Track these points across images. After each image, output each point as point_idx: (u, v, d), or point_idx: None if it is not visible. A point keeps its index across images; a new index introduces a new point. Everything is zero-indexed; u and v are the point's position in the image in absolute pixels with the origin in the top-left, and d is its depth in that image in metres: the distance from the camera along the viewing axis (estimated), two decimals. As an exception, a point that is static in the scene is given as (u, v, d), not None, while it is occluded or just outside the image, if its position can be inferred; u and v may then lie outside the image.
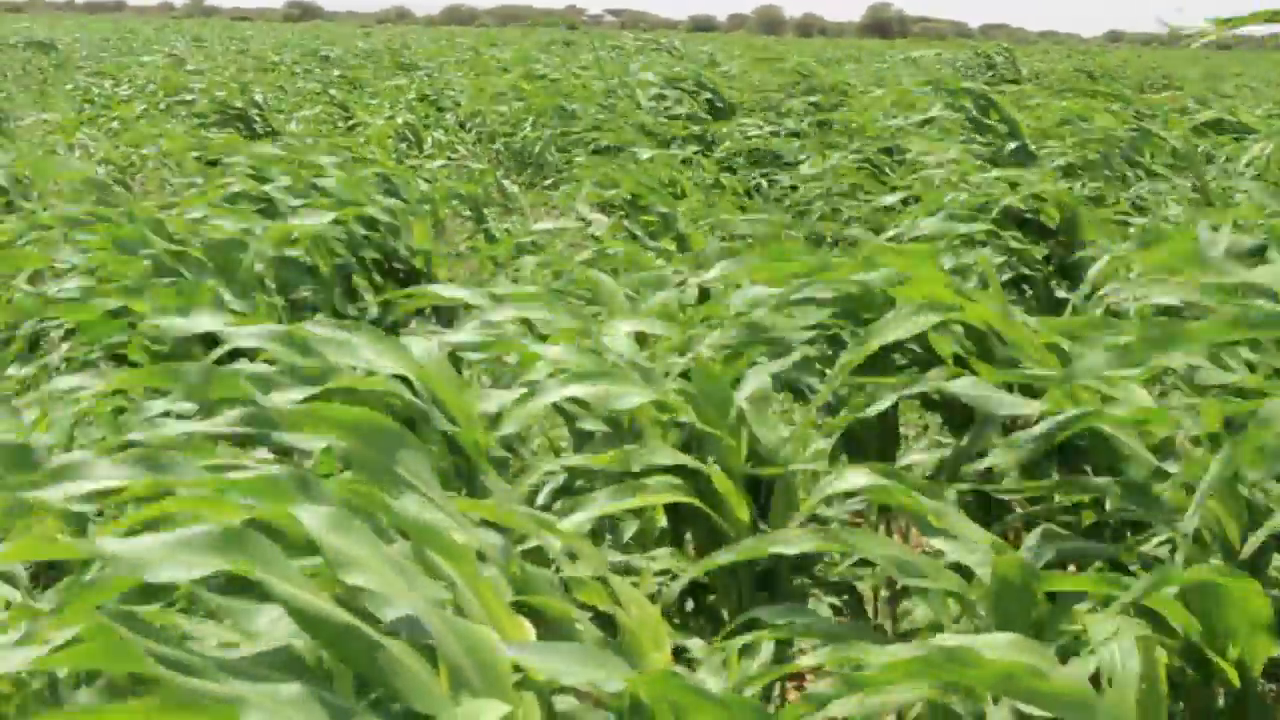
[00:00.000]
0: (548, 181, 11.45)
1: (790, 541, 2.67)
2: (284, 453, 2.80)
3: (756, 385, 3.43)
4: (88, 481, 1.98)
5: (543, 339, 3.73)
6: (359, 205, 5.34)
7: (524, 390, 3.33)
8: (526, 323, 3.95)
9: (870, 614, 3.64)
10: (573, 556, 2.45)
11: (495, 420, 3.26)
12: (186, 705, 1.48)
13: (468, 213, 8.17)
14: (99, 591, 1.87)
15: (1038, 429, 3.05)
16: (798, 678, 3.69)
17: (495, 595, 1.97)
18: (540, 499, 3.30)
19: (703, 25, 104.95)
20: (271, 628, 1.86)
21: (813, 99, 14.13)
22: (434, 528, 2.01)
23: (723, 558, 2.67)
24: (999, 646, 2.07)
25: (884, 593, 3.66)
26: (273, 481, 1.88)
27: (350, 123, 13.40)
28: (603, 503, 3.05)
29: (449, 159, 11.01)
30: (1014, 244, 5.86)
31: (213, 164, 9.53)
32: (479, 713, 1.64)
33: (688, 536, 3.41)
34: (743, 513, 3.19)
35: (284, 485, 1.88)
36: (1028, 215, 6.16)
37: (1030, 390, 3.24)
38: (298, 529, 1.79)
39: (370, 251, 5.25)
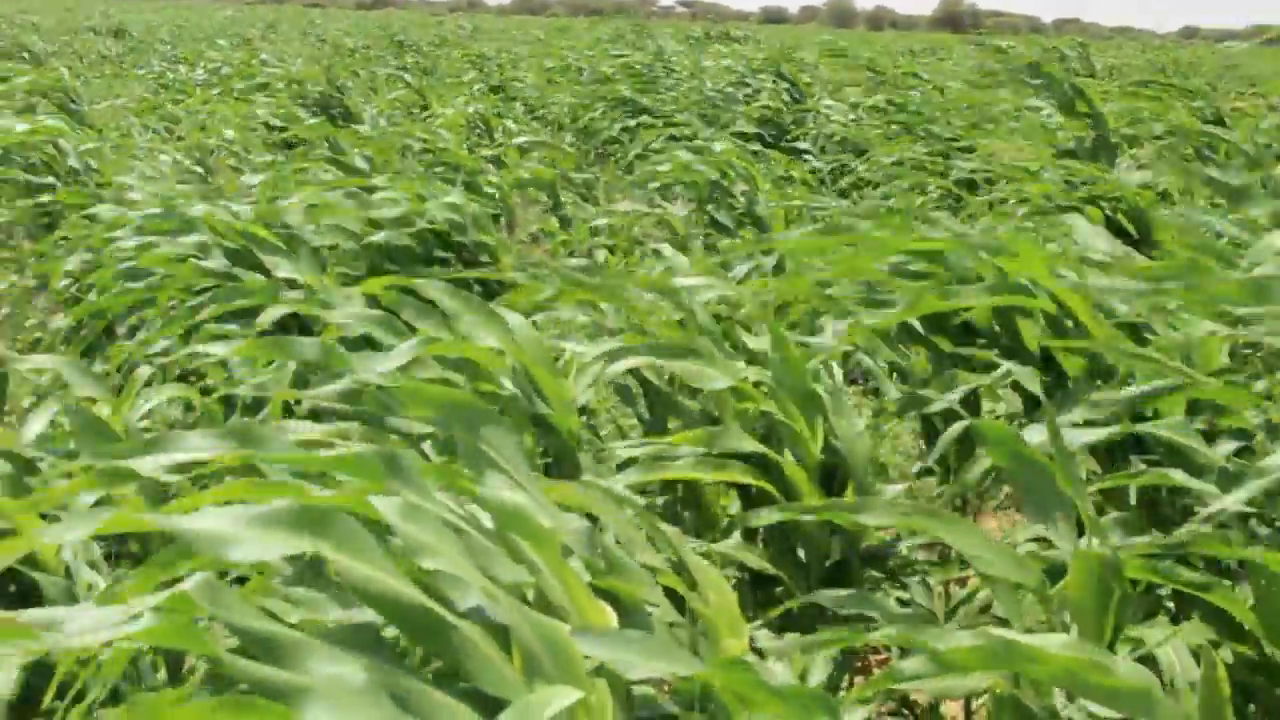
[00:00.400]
0: (619, 170, 11.45)
1: (874, 511, 2.60)
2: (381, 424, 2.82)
3: (831, 375, 3.43)
4: (179, 453, 1.99)
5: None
6: (421, 201, 5.36)
7: (605, 350, 3.31)
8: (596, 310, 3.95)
9: (939, 611, 3.62)
10: (651, 540, 2.44)
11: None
12: (249, 700, 1.48)
13: (542, 199, 8.19)
14: (175, 568, 1.88)
15: (1123, 394, 3.02)
16: (864, 669, 3.68)
17: (577, 580, 1.96)
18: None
19: (774, 17, 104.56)
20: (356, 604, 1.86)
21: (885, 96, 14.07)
22: (519, 510, 2.00)
23: (804, 516, 2.62)
24: (1061, 642, 2.04)
25: (955, 589, 3.64)
26: (361, 460, 1.88)
27: (425, 110, 13.43)
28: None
29: (520, 148, 11.01)
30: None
31: (290, 146, 9.60)
32: (550, 698, 1.64)
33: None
34: (814, 501, 3.18)
35: (373, 464, 1.88)
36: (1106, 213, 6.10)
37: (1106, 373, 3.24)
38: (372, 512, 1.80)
39: (438, 247, 5.26)
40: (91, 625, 1.61)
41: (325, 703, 1.49)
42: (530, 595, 1.89)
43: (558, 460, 3.17)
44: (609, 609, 2.03)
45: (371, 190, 5.76)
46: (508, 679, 1.69)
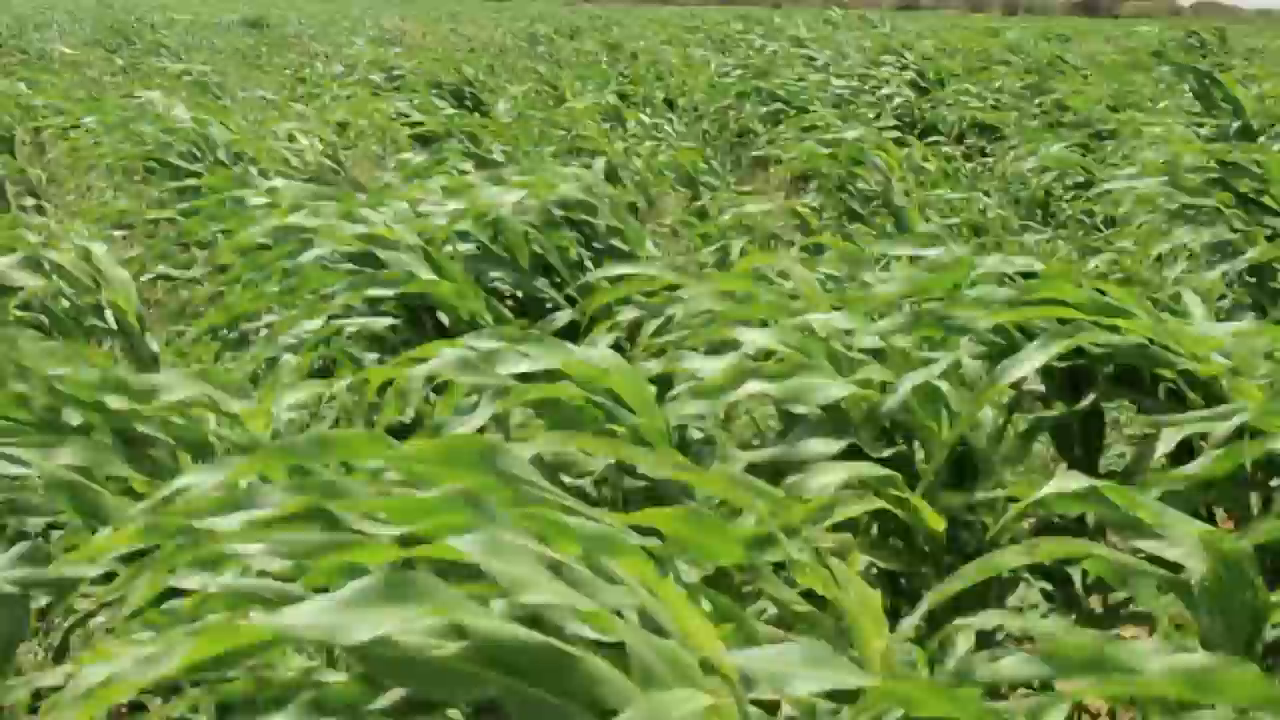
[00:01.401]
0: (754, 159, 11.42)
1: (1001, 563, 2.55)
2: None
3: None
4: (256, 510, 1.96)
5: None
6: (551, 185, 5.35)
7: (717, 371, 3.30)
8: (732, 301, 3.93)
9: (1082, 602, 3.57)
10: (789, 538, 2.42)
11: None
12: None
13: (678, 189, 8.19)
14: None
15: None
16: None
17: (680, 596, 1.95)
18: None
19: (907, 3, 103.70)
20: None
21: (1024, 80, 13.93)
22: (608, 535, 1.96)
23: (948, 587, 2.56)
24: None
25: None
26: (444, 503, 1.89)
27: (560, 101, 13.49)
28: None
29: (655, 137, 11.02)
30: (1238, 223, 5.66)
31: (426, 141, 9.68)
32: (681, 704, 1.64)
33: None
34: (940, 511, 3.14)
35: (457, 506, 1.88)
36: (1251, 197, 5.96)
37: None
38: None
39: (569, 232, 5.25)
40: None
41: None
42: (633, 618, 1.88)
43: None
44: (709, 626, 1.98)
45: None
46: (628, 696, 1.69)
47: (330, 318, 4.30)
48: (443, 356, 3.17)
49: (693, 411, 3.21)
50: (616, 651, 1.74)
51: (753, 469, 3.08)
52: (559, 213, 5.28)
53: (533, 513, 1.94)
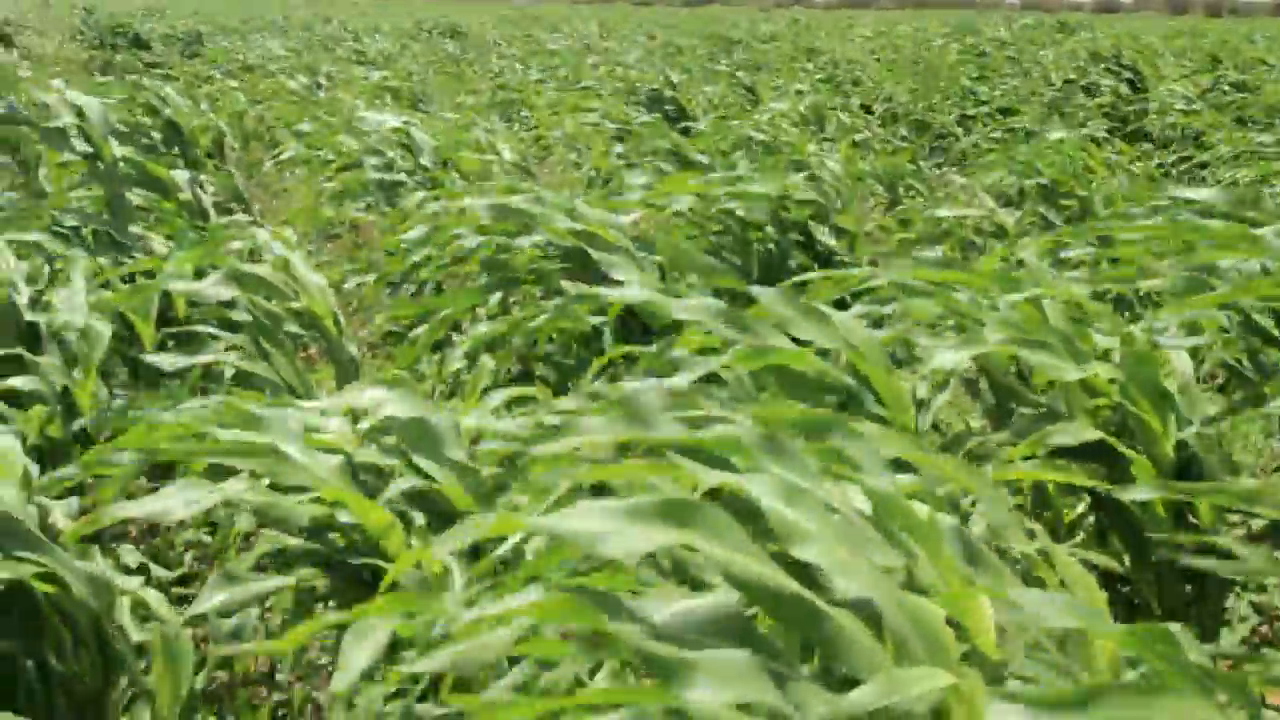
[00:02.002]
0: (954, 165, 11.31)
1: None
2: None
3: (1183, 370, 3.32)
4: (576, 437, 2.04)
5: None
6: (784, 186, 5.35)
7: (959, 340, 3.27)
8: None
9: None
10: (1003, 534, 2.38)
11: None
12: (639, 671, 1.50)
13: (879, 194, 8.13)
14: (543, 563, 1.92)
15: None
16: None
17: (955, 568, 1.93)
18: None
19: (1107, 7, 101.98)
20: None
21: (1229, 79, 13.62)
22: (895, 498, 1.99)
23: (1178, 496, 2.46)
24: None
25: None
26: (740, 440, 1.89)
27: (757, 105, 13.48)
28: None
29: (854, 142, 10.96)
30: None
31: (676, 155, 9.72)
32: (918, 678, 1.62)
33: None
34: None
35: (752, 445, 1.88)
36: None
37: None
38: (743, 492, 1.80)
39: (793, 233, 5.26)
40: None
41: (710, 679, 1.51)
42: (899, 584, 1.87)
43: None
44: (984, 599, 1.98)
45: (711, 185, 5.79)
46: (879, 665, 1.67)
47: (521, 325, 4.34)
48: (706, 307, 3.17)
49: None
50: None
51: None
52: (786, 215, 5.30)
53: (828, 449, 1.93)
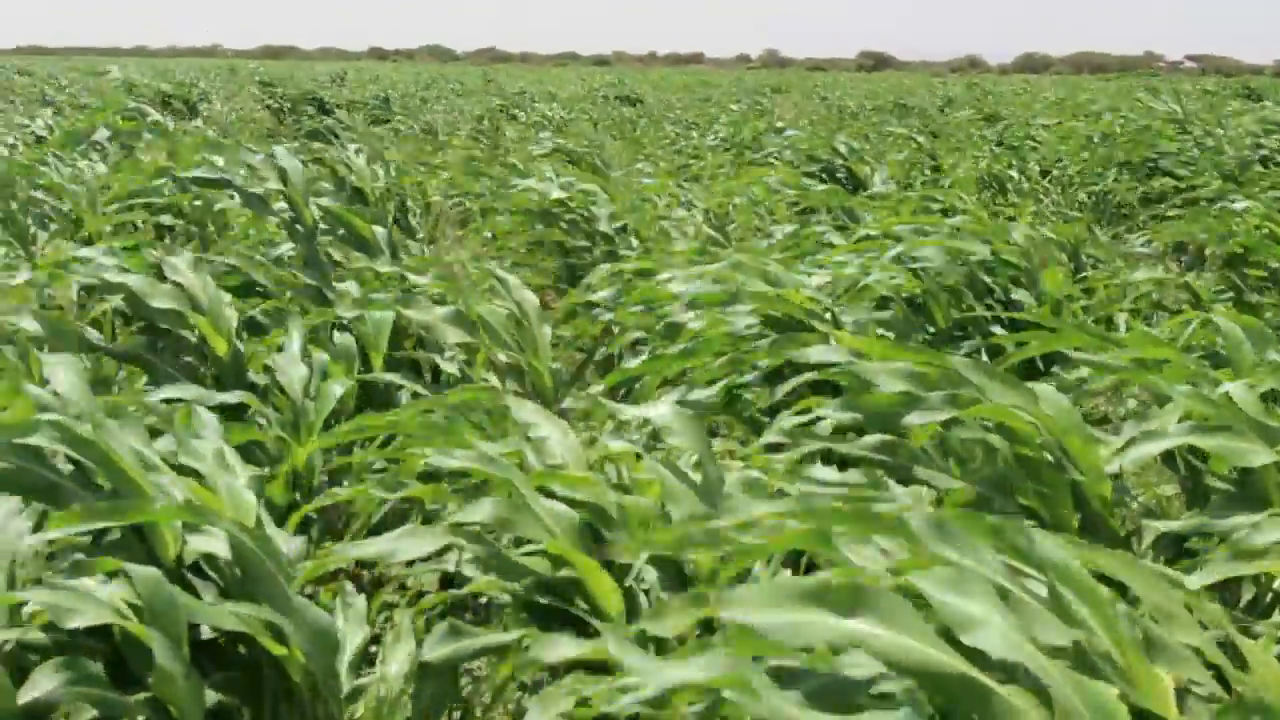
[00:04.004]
0: (1133, 232, 11.20)
1: None
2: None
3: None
4: (742, 514, 2.08)
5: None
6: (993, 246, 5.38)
7: (1135, 434, 3.27)
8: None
9: None
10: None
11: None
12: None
13: (1059, 260, 8.07)
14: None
15: None
16: None
17: (1132, 645, 1.94)
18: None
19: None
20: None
21: None
22: (1071, 569, 2.00)
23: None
24: None
25: None
26: (907, 525, 1.93)
27: (935, 172, 13.47)
28: (1222, 567, 2.95)
29: (1034, 209, 10.90)
30: None
31: (803, 212, 9.77)
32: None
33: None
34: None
35: (917, 529, 1.92)
36: None
37: None
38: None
39: (988, 299, 5.27)
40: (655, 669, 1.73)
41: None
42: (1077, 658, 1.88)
43: (1088, 528, 3.14)
44: (1166, 677, 1.99)
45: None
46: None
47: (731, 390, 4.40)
48: (900, 371, 3.21)
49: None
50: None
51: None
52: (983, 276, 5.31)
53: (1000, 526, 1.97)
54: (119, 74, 31.97)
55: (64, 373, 3.58)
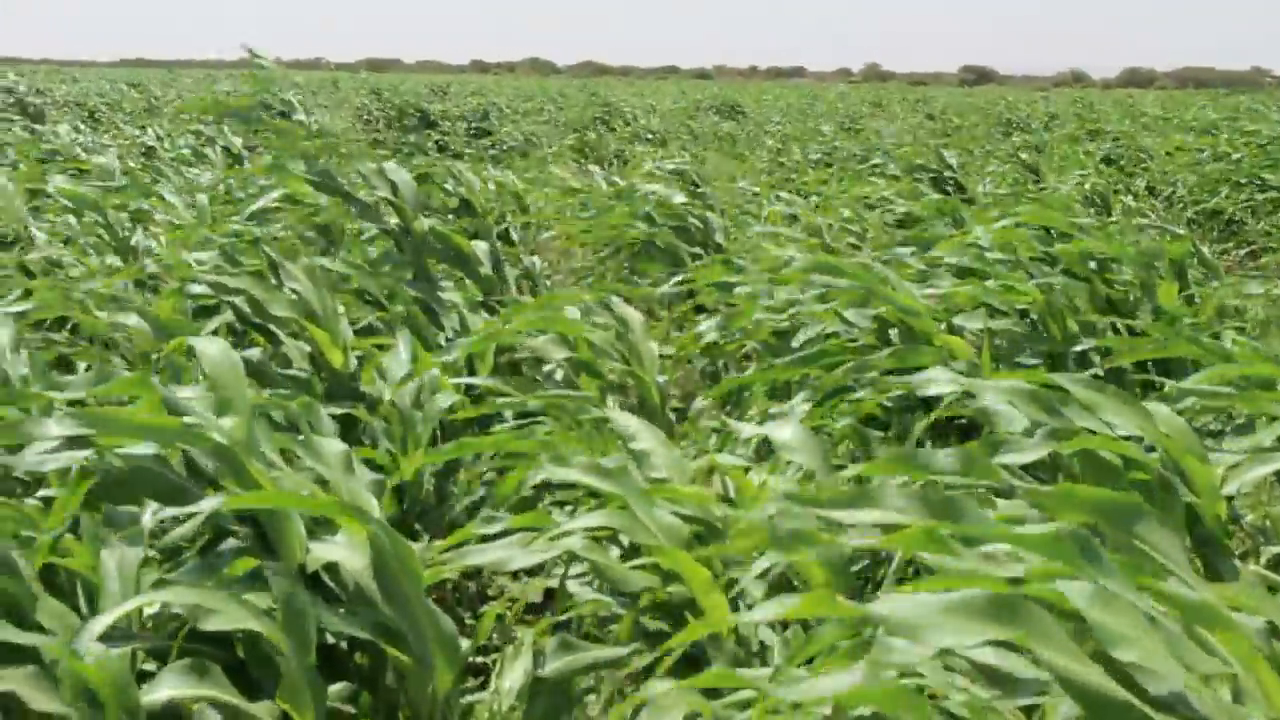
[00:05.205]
0: (1244, 251, 11.07)
1: None
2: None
3: None
4: (875, 511, 2.07)
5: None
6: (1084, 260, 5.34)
7: (1245, 453, 3.24)
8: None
9: None
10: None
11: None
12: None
13: (1164, 278, 7.98)
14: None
15: None
16: None
17: (1276, 679, 1.92)
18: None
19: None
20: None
21: None
22: (1209, 606, 1.97)
23: None
24: None
25: None
26: (1057, 541, 1.91)
27: (1039, 186, 13.37)
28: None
29: (1139, 224, 10.79)
30: None
31: (904, 225, 9.73)
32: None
33: None
34: None
35: (1067, 546, 1.90)
36: None
37: None
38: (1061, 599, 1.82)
39: (1110, 314, 5.23)
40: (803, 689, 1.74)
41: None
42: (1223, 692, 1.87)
43: (1200, 550, 3.11)
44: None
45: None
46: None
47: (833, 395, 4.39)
48: (1013, 389, 3.19)
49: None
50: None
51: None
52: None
53: (1136, 565, 1.97)
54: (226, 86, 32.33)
55: (212, 350, 3.48)
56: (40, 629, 2.61)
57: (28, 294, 5.56)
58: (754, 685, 2.12)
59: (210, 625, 2.54)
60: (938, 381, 3.56)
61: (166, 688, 2.50)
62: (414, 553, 2.88)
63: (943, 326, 4.79)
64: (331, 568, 2.94)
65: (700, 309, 6.79)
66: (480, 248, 6.83)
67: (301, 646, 2.58)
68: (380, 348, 4.93)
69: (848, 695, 1.76)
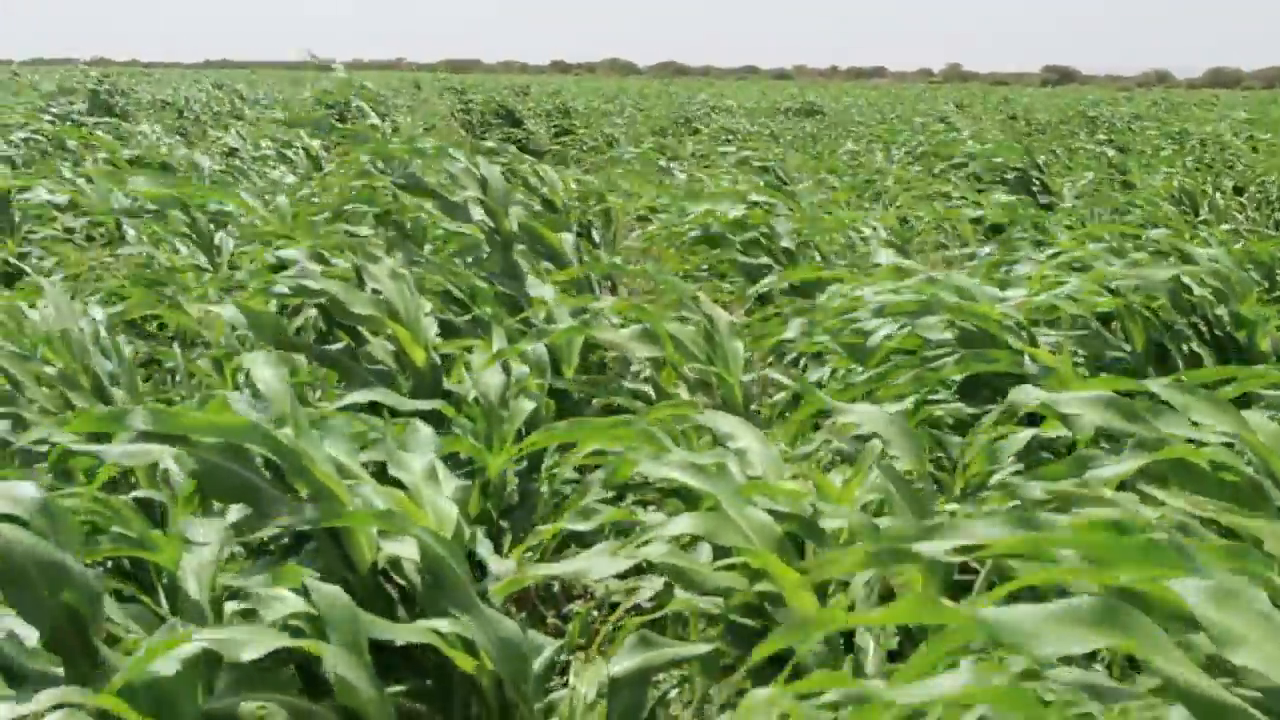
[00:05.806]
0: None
1: None
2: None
3: None
4: (961, 539, 2.06)
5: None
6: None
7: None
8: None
9: None
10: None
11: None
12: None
13: (1257, 281, 7.90)
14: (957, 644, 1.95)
15: None
16: None
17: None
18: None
19: None
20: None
21: None
22: None
23: None
24: None
25: None
26: (1153, 548, 1.90)
27: (1126, 186, 13.26)
28: None
29: (1229, 226, 10.68)
30: None
31: (996, 229, 9.67)
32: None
33: None
34: None
35: (1164, 553, 1.88)
36: None
37: None
38: (1169, 597, 1.81)
39: (1193, 319, 5.16)
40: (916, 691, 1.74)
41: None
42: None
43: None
44: None
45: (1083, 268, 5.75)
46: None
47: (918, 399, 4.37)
48: (1097, 399, 3.15)
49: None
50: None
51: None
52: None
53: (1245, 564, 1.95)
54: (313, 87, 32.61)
55: (266, 372, 3.52)
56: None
57: (118, 296, 5.63)
58: (867, 690, 2.09)
59: (246, 655, 2.45)
60: (1021, 395, 3.51)
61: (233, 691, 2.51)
62: (465, 555, 2.90)
63: (1024, 335, 4.75)
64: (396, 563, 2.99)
65: (778, 314, 6.77)
66: (567, 240, 6.84)
67: (352, 652, 2.58)
68: (468, 349, 4.95)
69: (961, 695, 1.75)
